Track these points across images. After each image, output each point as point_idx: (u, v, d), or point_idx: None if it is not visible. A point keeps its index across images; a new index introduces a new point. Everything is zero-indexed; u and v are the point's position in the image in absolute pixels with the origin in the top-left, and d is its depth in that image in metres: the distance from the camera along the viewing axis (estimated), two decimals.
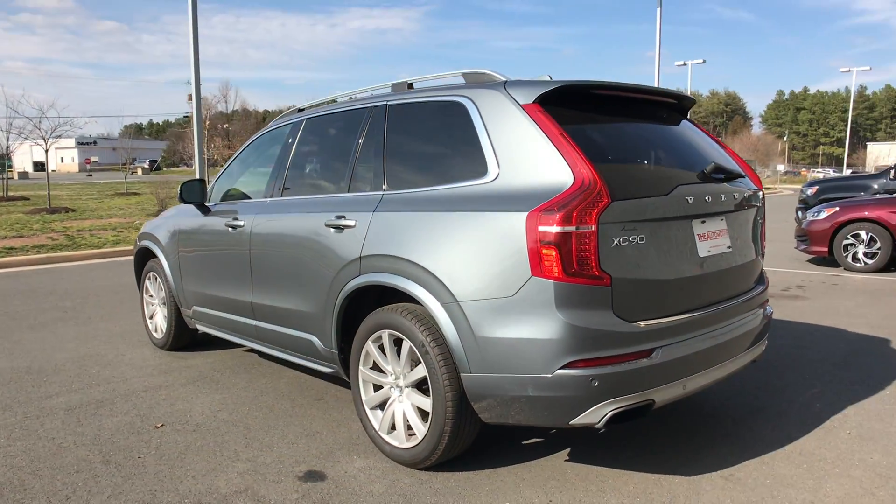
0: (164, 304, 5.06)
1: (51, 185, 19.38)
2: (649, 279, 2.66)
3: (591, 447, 3.22)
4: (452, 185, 2.88)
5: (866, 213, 8.77)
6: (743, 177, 3.27)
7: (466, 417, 2.79)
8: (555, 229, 2.44)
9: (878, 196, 9.81)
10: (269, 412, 3.76)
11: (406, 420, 3.01)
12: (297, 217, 3.59)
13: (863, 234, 8.72)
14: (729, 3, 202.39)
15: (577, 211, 2.45)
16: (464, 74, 3.17)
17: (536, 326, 2.49)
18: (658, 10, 24.96)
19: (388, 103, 3.33)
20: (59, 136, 18.03)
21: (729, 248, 3.05)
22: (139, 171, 55.43)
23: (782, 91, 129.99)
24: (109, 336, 5.57)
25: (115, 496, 2.80)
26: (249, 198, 4.39)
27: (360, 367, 3.19)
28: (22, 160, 63.30)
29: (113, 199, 24.19)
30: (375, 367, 3.16)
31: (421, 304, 2.84)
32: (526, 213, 2.51)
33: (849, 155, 52.85)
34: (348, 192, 3.38)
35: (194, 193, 4.45)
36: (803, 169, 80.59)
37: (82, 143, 79.31)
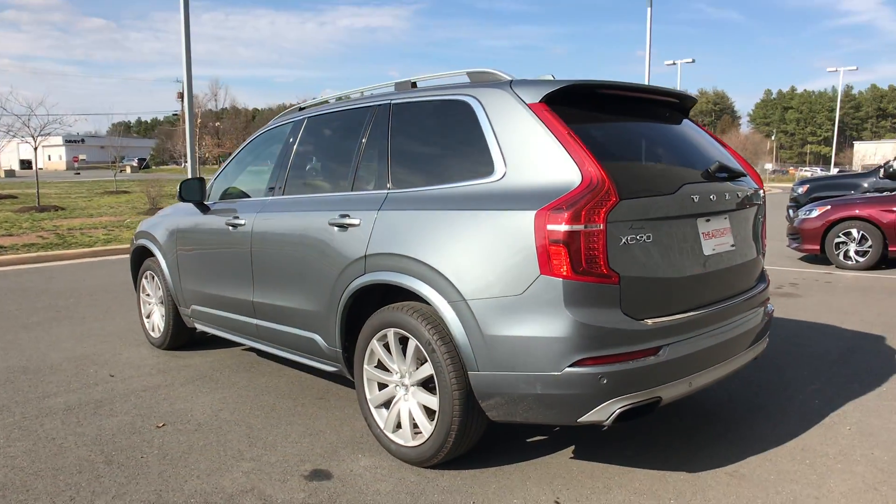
0: (161, 303, 5.03)
1: (39, 183, 19.19)
2: (656, 277, 2.67)
3: (595, 445, 3.23)
4: (458, 184, 2.88)
5: (857, 211, 8.85)
6: (745, 175, 3.30)
7: (473, 415, 2.80)
8: (563, 228, 2.45)
9: (869, 195, 9.91)
10: (270, 411, 3.75)
11: (412, 418, 3.01)
12: (299, 215, 3.58)
13: (854, 232, 8.80)
14: (717, 3, 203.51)
15: (586, 210, 2.46)
16: (469, 73, 3.17)
17: (545, 324, 2.50)
18: (648, 9, 25.07)
19: (392, 102, 3.33)
20: (49, 134, 17.85)
21: (732, 246, 3.07)
22: (128, 170, 54.99)
23: (770, 90, 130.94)
24: (105, 335, 5.52)
25: (119, 496, 2.78)
26: (249, 196, 4.38)
27: (365, 366, 3.19)
28: (8, 158, 62.66)
29: (102, 197, 23.99)
30: (380, 366, 3.16)
31: (428, 303, 2.84)
32: (534, 212, 2.52)
33: (836, 154, 53.29)
34: (352, 190, 3.37)
35: (193, 192, 4.42)
36: (791, 168, 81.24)
37: (70, 141, 78.61)
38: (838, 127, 51.62)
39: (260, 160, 4.43)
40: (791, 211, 11.67)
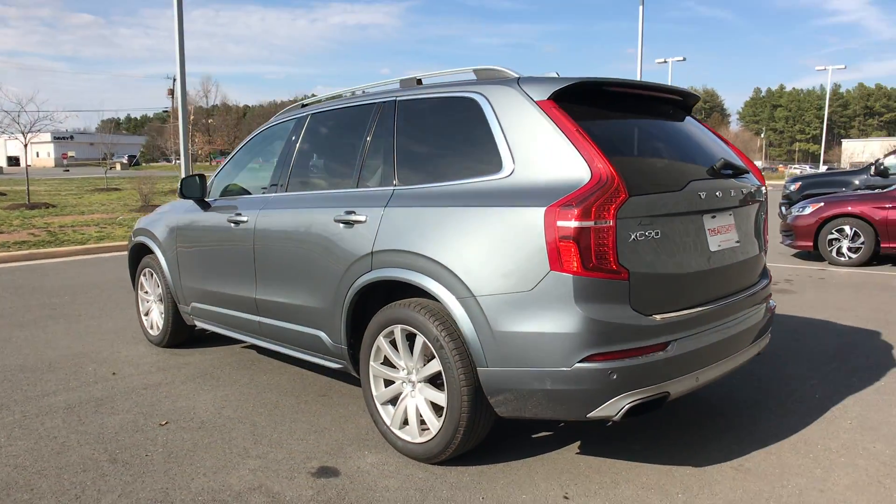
0: (160, 300, 5.00)
1: (28, 180, 19.01)
2: (664, 273, 2.69)
3: (600, 440, 3.25)
4: (466, 181, 2.88)
5: (849, 208, 8.92)
6: (748, 172, 3.32)
7: (481, 411, 2.80)
8: (573, 224, 2.46)
9: (861, 192, 10.00)
10: (274, 409, 3.74)
11: (419, 415, 3.01)
12: (303, 212, 3.57)
13: (847, 228, 8.88)
14: (707, 2, 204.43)
15: (596, 206, 2.46)
16: (475, 71, 3.17)
17: (555, 320, 2.51)
18: (641, 7, 25.17)
19: (398, 99, 3.32)
20: (39, 131, 17.68)
21: (737, 242, 3.09)
22: (118, 167, 54.57)
23: (759, 88, 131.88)
24: (102, 333, 5.49)
25: (125, 495, 2.77)
26: (250, 194, 4.36)
27: (371, 363, 3.18)
28: None
29: (93, 194, 23.80)
30: (386, 363, 3.16)
31: (436, 299, 2.84)
32: (544, 209, 2.52)
33: (825, 151, 53.69)
34: (357, 187, 3.37)
35: (194, 189, 4.40)
36: (780, 165, 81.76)
37: (58, 138, 77.89)
38: (826, 125, 51.99)
39: (261, 157, 4.41)
40: (784, 208, 11.76)
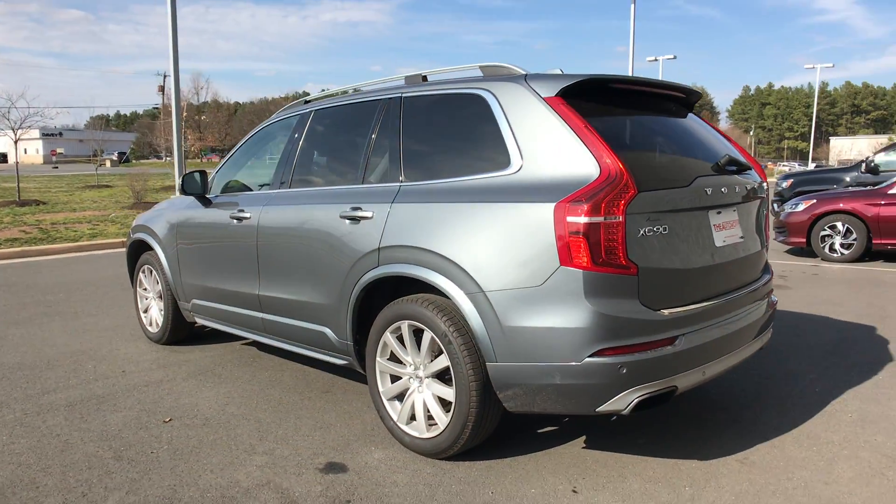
0: (159, 297, 4.98)
1: (18, 176, 18.83)
2: (672, 268, 2.71)
3: (605, 435, 3.27)
4: (474, 177, 2.88)
5: (842, 205, 9.00)
6: (751, 169, 3.34)
7: (490, 406, 2.81)
8: (583, 220, 2.47)
9: (854, 189, 10.08)
10: (277, 405, 3.74)
11: (426, 410, 3.02)
12: (308, 209, 3.56)
13: (839, 225, 8.95)
14: (696, 1, 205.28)
15: (606, 202, 2.48)
16: (481, 67, 3.18)
17: (566, 315, 2.52)
18: (632, 6, 25.24)
19: (403, 95, 3.32)
20: (30, 127, 17.52)
21: (741, 238, 3.12)
22: (107, 164, 54.11)
23: (748, 86, 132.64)
24: (100, 330, 5.46)
25: (133, 492, 2.76)
26: (252, 190, 4.35)
27: (377, 359, 3.18)
28: None
29: (84, 191, 23.60)
30: (393, 358, 3.16)
31: (445, 295, 2.85)
32: (554, 204, 2.53)
33: (813, 149, 54.09)
34: (362, 183, 3.36)
35: (195, 185, 4.38)
36: (769, 163, 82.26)
37: (47, 135, 77.09)
38: (814, 122, 52.35)
39: (264, 153, 4.40)
40: (776, 205, 11.84)
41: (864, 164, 11.79)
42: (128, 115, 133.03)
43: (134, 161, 70.85)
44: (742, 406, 3.63)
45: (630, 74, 25.07)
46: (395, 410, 3.15)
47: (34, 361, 4.60)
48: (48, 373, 4.35)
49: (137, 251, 5.28)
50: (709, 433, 3.27)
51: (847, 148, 66.80)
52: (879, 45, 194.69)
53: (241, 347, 4.97)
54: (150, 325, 5.14)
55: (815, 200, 9.31)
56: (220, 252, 4.22)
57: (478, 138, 2.98)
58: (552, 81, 2.80)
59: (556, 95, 2.75)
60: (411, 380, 3.10)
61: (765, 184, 3.48)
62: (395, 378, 3.18)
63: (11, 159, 19.08)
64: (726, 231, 3.00)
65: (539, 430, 3.33)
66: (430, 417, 3.02)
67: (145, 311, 5.22)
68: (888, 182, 9.00)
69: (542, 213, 2.56)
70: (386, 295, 3.25)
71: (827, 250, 9.05)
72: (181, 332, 4.98)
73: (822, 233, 9.08)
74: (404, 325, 3.03)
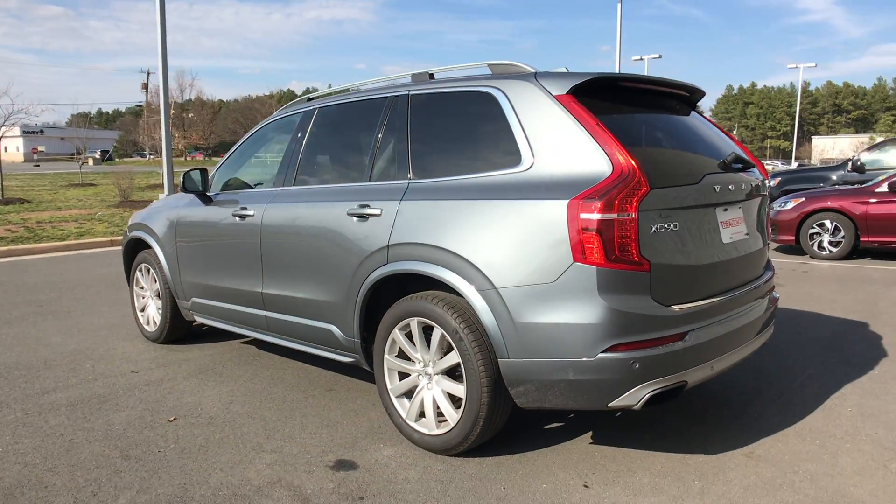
0: (157, 296, 4.94)
1: (2, 175, 18.56)
2: (682, 265, 2.74)
3: (612, 430, 3.30)
4: (484, 174, 2.89)
5: (829, 203, 9.12)
6: (754, 166, 3.39)
7: (500, 402, 2.83)
8: (597, 216, 2.49)
9: (842, 187, 10.22)
10: (282, 403, 3.73)
11: (436, 407, 3.03)
12: (314, 206, 3.55)
13: (828, 223, 9.08)
14: (680, 0, 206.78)
15: (619, 199, 2.50)
16: (490, 65, 3.19)
17: (579, 311, 2.54)
18: (619, 5, 25.40)
19: (411, 93, 3.32)
20: (14, 125, 17.27)
21: (746, 234, 3.16)
22: (90, 162, 53.46)
23: (731, 86, 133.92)
24: (95, 330, 5.41)
25: (143, 491, 2.74)
26: (253, 187, 4.33)
27: (386, 356, 3.19)
28: None
29: (68, 189, 23.32)
30: (401, 355, 3.17)
31: (455, 292, 2.86)
32: (567, 201, 2.55)
33: (796, 148, 54.68)
34: (370, 181, 3.36)
35: (196, 183, 4.35)
36: None
37: (28, 132, 75.87)
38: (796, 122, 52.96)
39: (266, 151, 4.38)
40: None
41: (850, 163, 11.94)
42: (110, 112, 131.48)
43: (117, 159, 70.08)
44: (744, 401, 3.67)
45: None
46: (403, 407, 3.16)
47: (31, 361, 4.55)
48: (46, 372, 4.31)
49: (134, 249, 5.23)
50: (713, 428, 3.31)
51: (829, 147, 67.61)
52: (860, 46, 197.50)
53: (240, 346, 4.95)
54: (148, 323, 5.10)
55: (803, 199, 9.43)
56: (222, 250, 4.20)
57: (487, 136, 2.99)
58: (563, 79, 2.82)
59: (567, 93, 2.77)
60: (420, 377, 3.10)
61: (767, 181, 3.52)
62: (403, 375, 3.18)
63: None
64: (733, 228, 3.04)
65: (545, 427, 3.36)
66: (439, 414, 3.03)
67: (142, 310, 5.18)
68: (876, 180, 9.13)
69: (555, 210, 2.58)
70: (393, 292, 3.25)
71: (815, 248, 9.17)
72: (179, 330, 4.95)
73: (811, 231, 9.20)
74: (413, 322, 3.04)
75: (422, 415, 3.09)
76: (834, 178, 11.99)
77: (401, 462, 2.98)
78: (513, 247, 2.69)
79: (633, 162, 2.55)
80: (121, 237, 11.16)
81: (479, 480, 2.80)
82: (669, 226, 2.66)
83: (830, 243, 9.08)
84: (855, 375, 4.09)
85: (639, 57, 40.57)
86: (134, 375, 4.24)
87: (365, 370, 3.59)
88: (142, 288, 5.16)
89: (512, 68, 3.10)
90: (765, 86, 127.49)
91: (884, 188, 8.72)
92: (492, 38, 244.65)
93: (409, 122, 3.27)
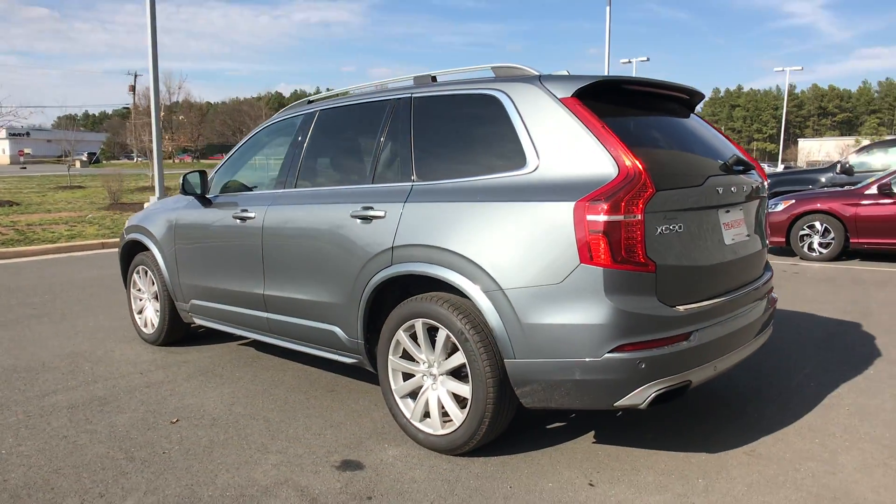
0: (155, 298, 4.93)
1: None
2: (687, 266, 2.78)
3: (614, 430, 3.33)
4: (489, 177, 2.92)
5: (819, 205, 9.23)
6: (753, 168, 3.44)
7: (506, 402, 2.86)
8: (603, 218, 2.52)
9: (832, 189, 10.34)
10: (284, 405, 3.73)
11: (441, 407, 3.05)
12: (317, 208, 3.56)
13: (818, 224, 9.19)
14: (668, 3, 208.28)
15: (626, 201, 2.54)
16: (493, 68, 3.22)
17: (586, 312, 2.57)
18: (608, 8, 25.55)
19: (414, 95, 3.34)
20: (2, 127, 17.12)
21: (747, 236, 3.21)
22: (77, 164, 53.03)
23: (718, 89, 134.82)
24: (92, 332, 5.38)
25: (151, 492, 2.74)
26: (252, 190, 4.33)
27: (390, 357, 3.20)
28: None
29: (56, 192, 23.12)
30: (406, 356, 3.18)
31: (460, 293, 2.88)
32: (573, 203, 2.58)
33: (782, 150, 55.18)
34: (373, 183, 3.38)
35: (196, 185, 4.35)
36: None
37: (14, 135, 75.17)
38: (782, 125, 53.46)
39: (266, 153, 4.38)
40: None
41: (839, 166, 12.09)
42: (96, 114, 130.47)
43: (104, 162, 69.55)
44: (743, 400, 3.72)
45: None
46: (408, 408, 3.18)
47: (28, 363, 4.53)
48: (45, 375, 4.29)
49: (131, 252, 5.22)
50: (714, 427, 3.35)
51: (815, 149, 68.29)
52: (845, 49, 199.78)
53: (239, 347, 4.94)
54: (145, 326, 5.08)
55: (794, 200, 9.53)
56: (223, 252, 4.20)
57: (492, 138, 3.02)
58: (567, 82, 2.85)
59: (572, 96, 2.80)
60: (425, 377, 3.12)
61: (765, 183, 3.58)
62: (407, 376, 3.20)
63: None
64: (734, 229, 3.09)
65: (548, 426, 3.38)
66: (444, 414, 3.05)
67: (139, 313, 5.16)
68: (865, 183, 9.25)
69: (562, 212, 2.61)
70: (396, 294, 3.27)
71: (806, 249, 9.28)
72: (178, 332, 4.94)
73: (801, 232, 9.31)
74: (418, 324, 3.05)
75: (426, 415, 3.11)
76: (823, 180, 12.13)
77: (406, 462, 2.99)
78: (519, 248, 2.71)
79: (638, 164, 2.59)
80: (112, 239, 11.09)
81: (486, 479, 2.82)
82: (674, 227, 2.70)
83: (820, 245, 9.19)
84: (850, 375, 4.15)
85: (627, 60, 40.78)
86: (134, 377, 4.23)
87: (366, 371, 3.61)
88: (139, 290, 5.14)
89: (516, 71, 3.13)
90: (751, 88, 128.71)
91: (873, 190, 8.84)
92: (480, 40, 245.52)
93: (413, 125, 3.29)
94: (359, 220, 3.30)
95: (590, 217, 2.54)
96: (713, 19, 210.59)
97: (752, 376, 4.11)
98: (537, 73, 3.02)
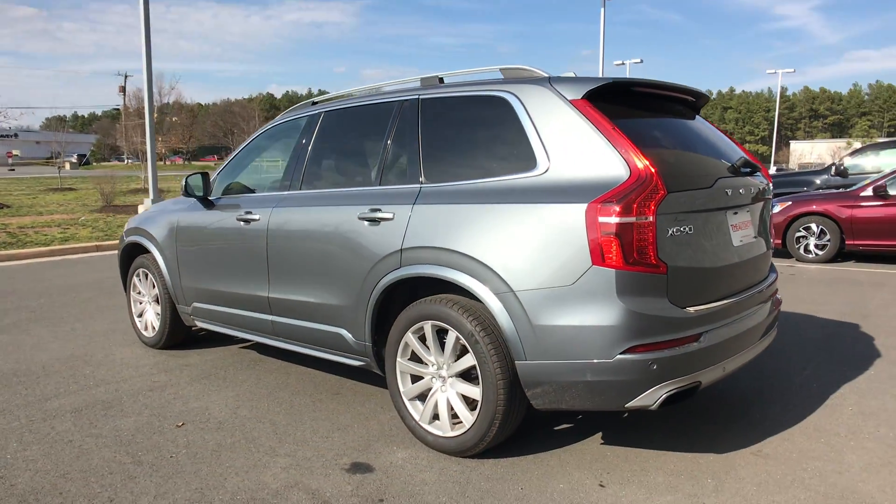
0: (156, 301, 4.90)
1: None
2: (697, 267, 2.79)
3: (621, 431, 3.34)
4: (499, 178, 2.93)
5: (815, 207, 9.29)
6: (759, 170, 3.46)
7: (516, 404, 2.86)
8: (615, 220, 2.53)
9: (827, 191, 10.41)
10: (290, 408, 3.72)
11: (450, 409, 3.05)
12: (323, 210, 3.56)
13: (814, 226, 9.25)
14: (659, 5, 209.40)
15: (637, 203, 2.55)
16: (502, 70, 3.22)
17: (598, 313, 2.58)
18: (602, 10, 25.68)
19: (421, 97, 3.35)
20: None
21: (754, 237, 3.23)
22: (67, 166, 52.72)
23: (710, 91, 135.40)
24: (91, 335, 5.35)
25: (161, 496, 2.73)
26: (255, 192, 4.32)
27: (398, 359, 3.20)
28: None
29: (47, 194, 22.99)
30: (414, 358, 3.18)
31: (471, 295, 2.88)
32: (585, 205, 2.59)
33: (774, 152, 55.48)
34: (380, 185, 3.38)
35: (199, 187, 4.33)
36: None
37: (2, 136, 74.65)
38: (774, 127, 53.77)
39: (269, 155, 4.37)
40: None
41: (833, 168, 12.18)
42: (86, 115, 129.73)
43: (95, 164, 69.17)
44: (747, 401, 3.74)
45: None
46: (416, 410, 3.17)
47: (29, 367, 4.50)
48: (46, 379, 4.26)
49: (131, 254, 5.19)
50: (720, 428, 3.37)
51: (807, 151, 68.67)
52: (836, 51, 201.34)
53: (240, 350, 4.92)
54: (146, 329, 5.06)
55: (790, 202, 9.59)
56: (226, 254, 4.18)
57: (501, 140, 3.02)
58: (577, 84, 2.86)
59: (582, 98, 2.81)
60: (433, 379, 3.12)
61: (770, 185, 3.60)
62: (416, 378, 3.20)
63: None
64: (742, 231, 3.11)
65: (555, 428, 3.39)
66: (453, 416, 3.05)
67: (140, 316, 5.13)
68: (861, 185, 9.32)
69: (573, 214, 2.61)
70: (404, 296, 3.27)
71: (802, 251, 9.34)
72: (178, 336, 4.92)
73: (797, 234, 9.36)
74: (427, 326, 3.05)
75: (435, 417, 3.11)
76: (818, 182, 12.22)
77: (416, 464, 2.99)
78: (530, 250, 2.72)
79: (650, 166, 2.60)
80: (106, 242, 11.03)
81: (496, 481, 2.82)
82: (685, 229, 2.71)
83: (816, 246, 9.25)
84: (852, 375, 4.18)
85: (621, 62, 40.92)
86: (136, 381, 4.21)
87: (370, 374, 3.60)
88: (139, 293, 5.12)
89: (525, 73, 3.13)
90: (743, 91, 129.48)
91: (868, 192, 8.91)
92: (473, 41, 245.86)
93: (420, 127, 3.29)
94: (367, 222, 3.30)
95: (602, 219, 2.55)
96: (705, 21, 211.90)
97: (754, 377, 4.13)
98: (547, 75, 3.03)
